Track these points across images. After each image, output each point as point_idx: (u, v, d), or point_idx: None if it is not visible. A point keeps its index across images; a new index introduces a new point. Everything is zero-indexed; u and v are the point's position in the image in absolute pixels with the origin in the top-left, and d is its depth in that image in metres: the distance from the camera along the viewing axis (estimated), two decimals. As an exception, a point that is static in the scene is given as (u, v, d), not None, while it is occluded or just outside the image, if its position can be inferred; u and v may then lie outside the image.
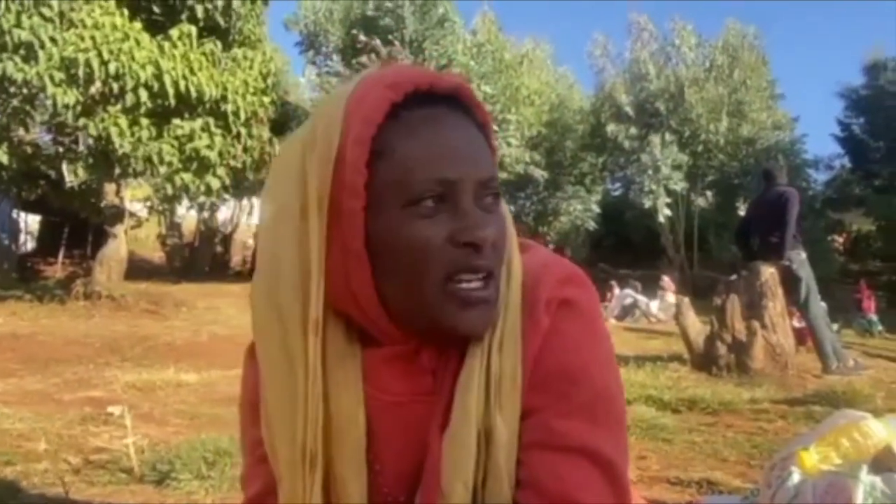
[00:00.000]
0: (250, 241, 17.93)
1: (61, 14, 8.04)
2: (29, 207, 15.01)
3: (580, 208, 17.72)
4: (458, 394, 0.62)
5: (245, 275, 16.19)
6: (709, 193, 18.56)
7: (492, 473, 0.60)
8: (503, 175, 15.99)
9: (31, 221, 17.26)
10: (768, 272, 5.10)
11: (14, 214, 14.96)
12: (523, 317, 0.63)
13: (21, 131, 8.83)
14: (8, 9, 7.71)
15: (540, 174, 16.85)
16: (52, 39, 7.78)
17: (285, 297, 0.62)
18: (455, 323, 0.61)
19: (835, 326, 7.77)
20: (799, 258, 5.30)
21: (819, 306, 5.55)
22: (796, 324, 5.66)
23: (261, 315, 0.65)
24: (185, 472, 1.94)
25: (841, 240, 19.82)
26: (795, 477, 1.35)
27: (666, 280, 12.28)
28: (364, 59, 14.05)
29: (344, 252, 0.60)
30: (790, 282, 5.23)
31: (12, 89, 7.85)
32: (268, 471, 0.67)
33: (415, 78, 0.62)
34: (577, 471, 0.61)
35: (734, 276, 5.75)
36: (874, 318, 10.67)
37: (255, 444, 0.70)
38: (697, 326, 5.20)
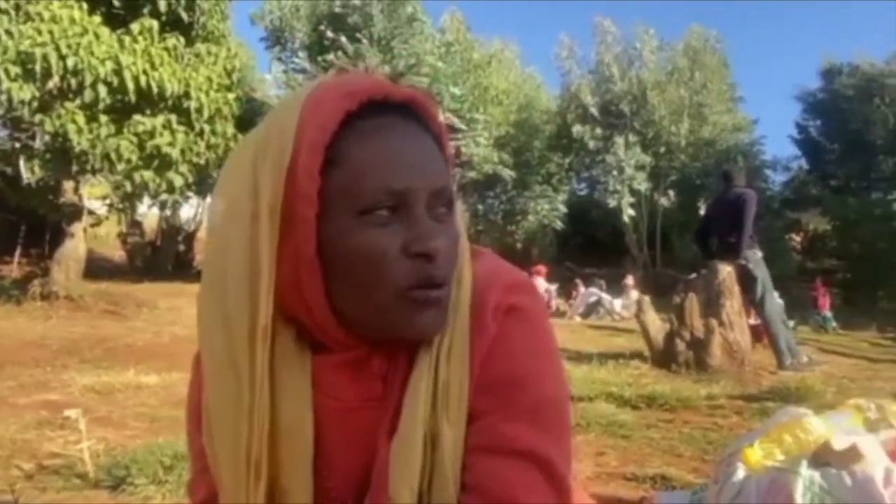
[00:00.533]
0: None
1: (17, 6, 7.79)
2: (-18, 205, 14.50)
3: (547, 207, 17.89)
4: (406, 399, 0.63)
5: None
6: (671, 193, 18.93)
7: (437, 477, 0.61)
8: (472, 174, 16.06)
9: (-16, 219, 16.69)
10: (726, 271, 5.24)
11: (-33, 212, 14.45)
12: (471, 322, 0.64)
13: (-26, 127, 8.55)
14: (-40, 0, 7.46)
15: (508, 174, 16.96)
16: (8, 32, 7.54)
17: (233, 303, 0.62)
18: (409, 325, 0.62)
19: (791, 323, 8.01)
20: (755, 258, 5.45)
21: (775, 304, 5.72)
22: (753, 321, 5.82)
23: (206, 320, 0.64)
24: (142, 476, 1.91)
25: (798, 239, 20.39)
26: (740, 473, 1.41)
27: (629, 278, 12.49)
28: (331, 56, 13.95)
29: (296, 258, 0.61)
30: (747, 280, 5.38)
31: (-36, 83, 7.58)
32: (211, 480, 0.67)
33: (369, 87, 0.62)
34: (522, 474, 0.62)
35: (693, 275, 5.90)
36: (829, 314, 11.04)
37: (202, 452, 0.69)
38: (658, 324, 5.31)
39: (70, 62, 7.58)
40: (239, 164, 0.65)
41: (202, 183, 12.99)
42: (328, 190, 0.60)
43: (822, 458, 1.35)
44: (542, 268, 12.58)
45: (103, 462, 2.15)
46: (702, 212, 14.48)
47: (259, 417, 0.62)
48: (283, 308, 0.63)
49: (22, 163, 8.79)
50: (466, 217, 17.53)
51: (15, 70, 7.46)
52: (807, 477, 1.32)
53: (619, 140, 16.45)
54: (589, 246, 20.27)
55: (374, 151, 0.61)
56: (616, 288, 12.43)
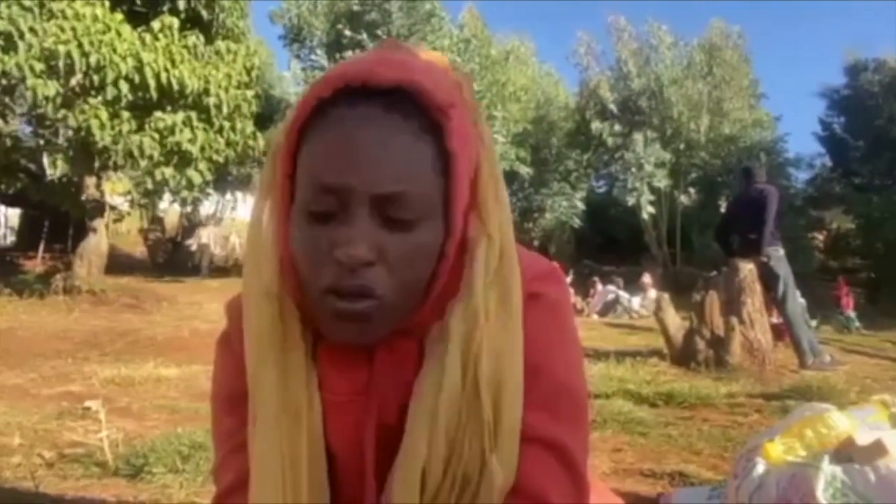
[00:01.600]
0: (233, 238, 17.80)
1: (41, 4, 7.92)
2: (8, 201, 14.79)
3: (565, 205, 17.80)
4: (412, 408, 0.61)
5: (228, 270, 16.09)
6: (692, 191, 18.72)
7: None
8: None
9: (10, 215, 17.02)
10: (747, 269, 5.16)
11: (-7, 208, 14.75)
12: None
13: (0, 123, 8.69)
14: (-14, -2, 7.60)
15: (525, 171, 16.90)
16: (32, 30, 7.66)
17: (248, 272, 0.65)
18: (328, 330, 0.61)
19: (813, 323, 7.89)
20: (777, 255, 5.37)
21: (797, 303, 5.63)
22: (774, 320, 5.74)
23: (244, 294, 0.66)
24: (160, 465, 1.93)
25: (821, 237, 20.07)
26: (760, 468, 1.38)
27: (647, 276, 12.38)
28: (349, 53, 14.00)
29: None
30: (768, 278, 5.29)
31: (-10, 80, 7.73)
32: (240, 462, 0.67)
33: (350, 73, 0.59)
34: (538, 461, 0.62)
35: (714, 273, 5.82)
36: (852, 314, 10.83)
37: (229, 434, 0.70)
38: (677, 322, 5.25)
39: (92, 59, 7.69)
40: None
41: (221, 180, 13.13)
42: (296, 177, 0.60)
43: (845, 453, 1.32)
44: (554, 264, 12.50)
45: (122, 451, 2.17)
46: (723, 209, 14.32)
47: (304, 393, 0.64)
48: (291, 292, 0.63)
49: (45, 159, 8.95)
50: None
51: (39, 67, 7.58)
52: (829, 472, 1.29)
53: (639, 137, 16.30)
54: (607, 244, 20.14)
55: (320, 143, 0.59)
56: (634, 286, 12.33)
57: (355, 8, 15.31)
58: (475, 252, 0.62)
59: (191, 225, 16.76)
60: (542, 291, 0.66)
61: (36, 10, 7.80)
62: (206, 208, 17.04)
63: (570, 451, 0.63)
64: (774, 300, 5.44)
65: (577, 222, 18.08)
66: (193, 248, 11.39)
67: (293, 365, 0.63)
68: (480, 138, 0.64)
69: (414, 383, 0.62)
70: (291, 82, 16.09)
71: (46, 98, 7.67)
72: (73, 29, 7.69)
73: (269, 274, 0.62)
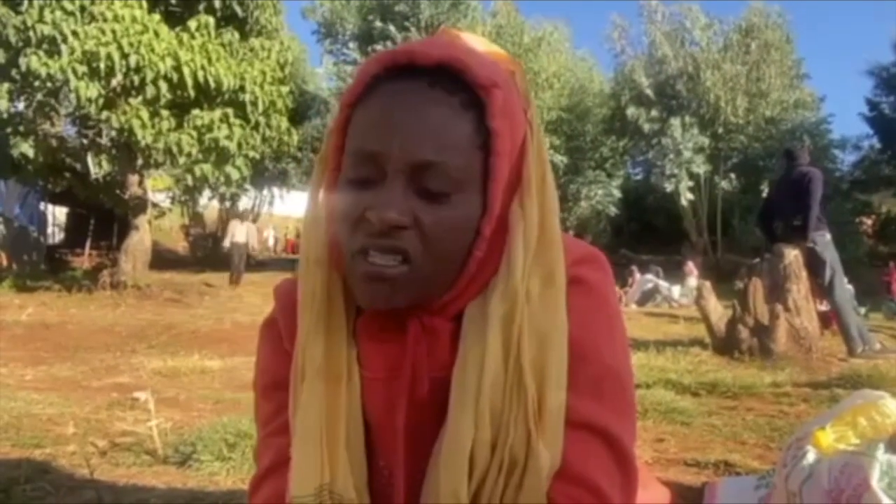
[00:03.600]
0: (266, 233, 18.07)
1: (82, 8, 8.15)
2: (56, 199, 15.31)
3: (601, 193, 17.57)
4: (454, 388, 0.61)
5: (266, 264, 16.38)
6: (732, 176, 18.27)
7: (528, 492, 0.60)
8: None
9: (58, 213, 17.62)
10: (792, 255, 5.02)
11: (42, 207, 15.28)
12: None
13: (46, 125, 8.99)
14: (31, 4, 7.83)
15: (559, 159, 16.73)
16: (74, 33, 7.89)
17: (305, 243, 0.68)
18: (360, 296, 0.62)
19: (862, 310, 7.63)
20: (823, 240, 5.20)
21: (845, 289, 5.45)
22: (822, 307, 5.57)
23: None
24: (207, 453, 1.98)
25: (869, 222, 19.39)
26: (811, 456, 1.34)
27: (689, 265, 12.15)
28: (380, 46, 14.05)
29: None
30: (815, 264, 5.13)
31: (37, 83, 7.99)
32: (279, 443, 0.68)
33: (399, 52, 0.61)
34: (584, 446, 0.61)
35: (757, 260, 5.68)
36: (903, 300, 10.46)
37: (269, 418, 0.71)
38: (719, 310, 5.14)
39: (132, 60, 7.88)
40: None
41: (258, 176, 13.35)
42: (345, 147, 0.63)
43: (902, 442, 1.27)
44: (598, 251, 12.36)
45: (171, 440, 2.24)
46: (765, 194, 13.98)
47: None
48: (337, 263, 0.65)
49: (90, 158, 9.23)
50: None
51: (82, 69, 7.81)
52: (884, 461, 1.24)
53: (676, 122, 15.96)
54: (645, 232, 19.84)
55: (366, 114, 0.61)
56: (674, 274, 12.12)
57: (385, 1, 15.34)
58: (515, 233, 0.62)
59: (230, 219, 17.09)
60: (586, 276, 0.66)
61: (78, 13, 8.03)
62: (245, 204, 17.36)
63: (618, 436, 0.63)
64: (821, 287, 5.28)
65: (613, 210, 17.84)
66: (227, 245, 11.56)
67: (336, 336, 0.65)
68: (529, 124, 0.65)
69: (453, 364, 0.62)
70: (324, 77, 16.23)
71: (89, 99, 7.90)
72: (113, 31, 7.89)
73: (320, 243, 0.65)
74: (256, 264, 16.01)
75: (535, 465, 0.59)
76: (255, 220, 18.36)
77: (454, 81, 0.60)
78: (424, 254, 0.59)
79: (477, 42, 0.69)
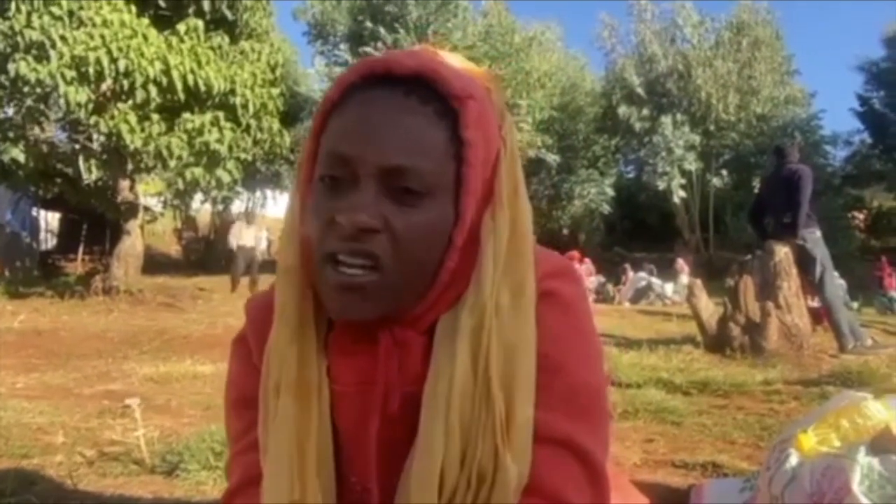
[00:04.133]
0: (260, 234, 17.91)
1: (70, 13, 8.10)
2: (48, 205, 15.23)
3: (594, 192, 17.61)
4: (425, 400, 0.61)
5: (261, 267, 16.32)
6: (724, 173, 18.34)
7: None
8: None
9: (50, 219, 17.53)
10: (782, 252, 5.04)
11: (34, 212, 15.20)
12: None
13: (36, 130, 8.94)
14: (18, 9, 7.79)
15: (552, 158, 16.74)
16: (63, 38, 7.85)
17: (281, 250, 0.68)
18: (330, 305, 0.62)
19: (855, 304, 7.68)
20: (813, 237, 5.23)
21: (835, 285, 5.48)
22: (812, 303, 5.59)
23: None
24: (194, 462, 1.97)
25: (861, 216, 19.49)
26: (793, 459, 1.35)
27: (680, 262, 12.18)
28: (369, 48, 14.03)
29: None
30: (805, 261, 5.16)
31: (26, 89, 7.94)
32: (248, 461, 0.68)
33: (376, 62, 0.63)
34: (555, 461, 0.61)
35: (748, 257, 5.70)
36: (895, 295, 10.51)
37: (239, 435, 0.72)
38: (710, 308, 5.16)
39: (121, 64, 7.84)
40: None
41: (250, 178, 13.30)
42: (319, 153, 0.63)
43: (882, 444, 1.28)
44: (575, 253, 12.36)
45: (158, 449, 2.23)
46: (757, 191, 14.02)
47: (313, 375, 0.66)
48: (308, 271, 0.64)
49: (81, 163, 9.18)
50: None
51: (70, 74, 7.76)
52: (865, 464, 1.25)
53: (667, 120, 16.01)
54: (638, 229, 19.89)
55: (341, 120, 0.62)
56: (667, 272, 12.15)
57: (374, 1, 15.32)
58: (485, 245, 0.62)
59: (222, 223, 17.05)
60: (558, 289, 0.66)
61: (66, 18, 7.98)
62: (238, 207, 17.30)
63: (588, 449, 0.63)
64: (812, 283, 5.30)
65: (606, 208, 17.88)
66: (232, 248, 10.87)
67: (308, 347, 0.65)
68: (503, 138, 0.66)
69: (424, 377, 0.62)
70: (316, 79, 16.20)
71: (79, 104, 7.86)
72: (102, 36, 7.85)
73: (292, 251, 0.65)
74: (249, 267, 15.97)
75: (504, 479, 0.59)
76: (248, 223, 18.30)
77: (429, 91, 0.61)
78: (395, 259, 0.59)
79: (454, 59, 0.70)
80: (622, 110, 16.74)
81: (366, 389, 0.64)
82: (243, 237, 11.01)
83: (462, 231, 0.61)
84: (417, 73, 0.61)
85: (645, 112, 16.59)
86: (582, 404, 0.64)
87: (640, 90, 16.72)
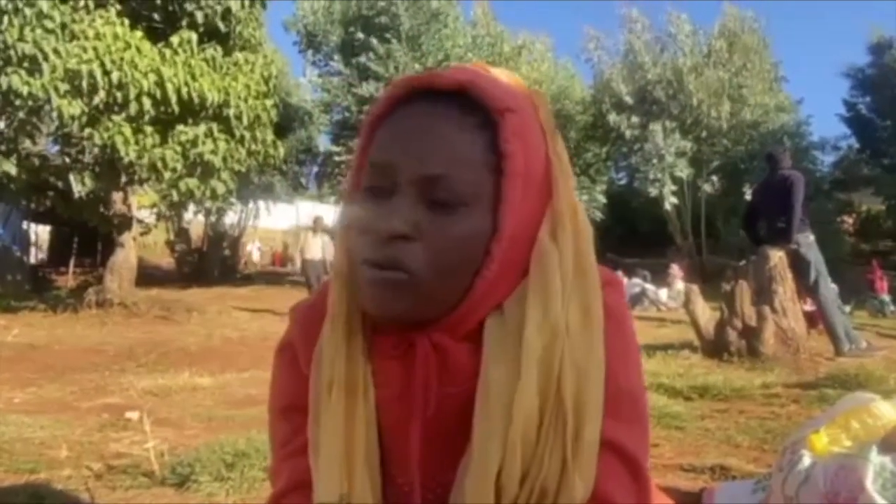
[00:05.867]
0: (248, 247, 17.84)
1: (63, 26, 8.08)
2: (39, 218, 15.13)
3: (586, 199, 17.69)
4: (477, 410, 0.62)
5: (253, 278, 16.28)
6: (714, 179, 18.49)
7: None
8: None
9: (41, 232, 17.40)
10: (777, 256, 5.09)
11: (25, 226, 15.09)
12: None
13: (28, 143, 8.89)
14: (11, 23, 7.76)
15: (544, 166, 16.80)
16: (56, 51, 7.83)
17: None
18: (365, 303, 0.64)
19: (847, 308, 7.73)
20: (807, 241, 5.29)
21: (829, 289, 5.53)
22: (807, 307, 5.64)
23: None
24: (205, 474, 1.97)
25: (850, 220, 19.68)
26: (806, 460, 1.37)
27: (674, 268, 12.24)
28: (362, 58, 14.08)
29: None
30: (799, 265, 5.22)
31: (18, 102, 7.90)
32: (294, 466, 0.70)
33: (419, 76, 0.65)
34: (605, 465, 0.62)
35: (743, 262, 5.75)
36: (887, 298, 10.60)
37: (285, 441, 0.73)
38: (707, 313, 5.20)
39: (115, 77, 7.83)
40: None
41: (244, 189, 13.27)
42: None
43: (894, 443, 1.30)
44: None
45: (167, 461, 2.22)
46: (748, 196, 14.11)
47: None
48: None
49: (72, 176, 9.13)
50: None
51: (64, 87, 7.74)
52: (877, 463, 1.27)
53: (657, 127, 16.13)
54: (630, 236, 19.99)
55: (384, 132, 0.64)
56: (660, 278, 12.21)
57: (365, 12, 15.38)
58: (550, 267, 0.63)
59: (216, 234, 16.97)
60: (607, 301, 0.67)
61: (59, 31, 7.96)
62: (231, 218, 17.25)
63: (634, 454, 0.64)
64: (806, 287, 5.36)
65: (598, 215, 17.97)
66: (297, 262, 10.40)
67: (355, 349, 0.67)
68: (557, 156, 0.68)
69: (464, 381, 0.63)
70: (309, 89, 16.22)
71: (72, 117, 7.83)
72: (95, 49, 7.83)
73: (341, 256, 0.68)
74: (242, 278, 15.91)
75: (568, 496, 0.59)
76: (241, 234, 18.24)
77: (471, 103, 0.63)
78: (426, 266, 0.60)
79: (502, 74, 0.71)
80: (612, 118, 16.85)
81: (406, 393, 0.65)
82: (310, 249, 9.72)
83: (501, 241, 0.62)
84: (459, 85, 0.63)
85: (635, 120, 16.71)
86: (628, 409, 0.65)
87: (628, 98, 16.85)
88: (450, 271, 0.61)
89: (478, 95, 0.63)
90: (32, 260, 16.07)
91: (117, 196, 9.38)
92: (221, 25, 9.54)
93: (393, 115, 0.65)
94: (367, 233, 0.62)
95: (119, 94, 8.00)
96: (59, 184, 9.72)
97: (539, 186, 0.65)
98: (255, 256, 22.78)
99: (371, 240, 0.61)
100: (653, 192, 16.14)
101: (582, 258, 0.66)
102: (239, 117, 8.99)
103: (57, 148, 9.55)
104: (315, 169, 18.71)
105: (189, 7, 9.20)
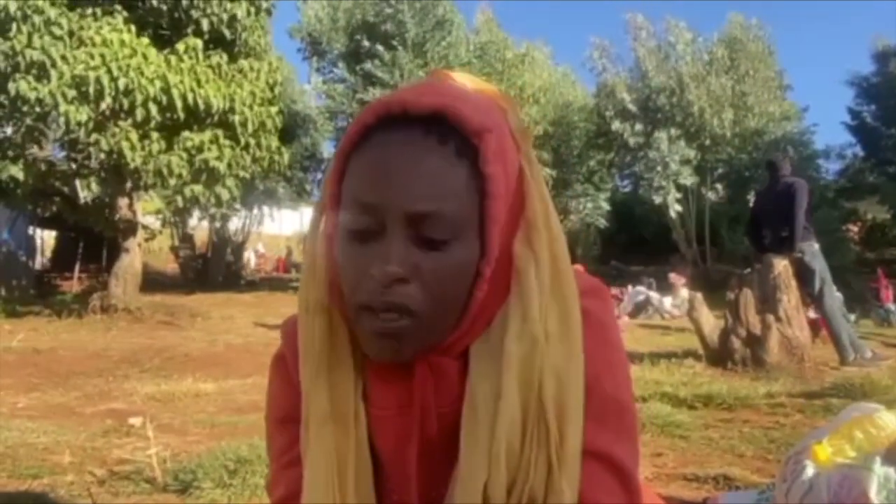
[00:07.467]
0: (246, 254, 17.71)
1: (71, 33, 8.16)
2: (44, 224, 15.19)
3: (590, 206, 17.67)
4: (464, 427, 0.62)
5: (257, 284, 16.30)
6: (719, 187, 18.43)
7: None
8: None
9: (46, 237, 17.47)
10: (781, 265, 5.07)
11: (30, 231, 15.15)
12: None
13: (35, 149, 8.95)
14: (20, 30, 7.84)
15: (548, 173, 16.81)
16: (63, 58, 7.89)
17: (303, 286, 0.69)
18: (367, 350, 0.63)
19: (852, 317, 7.71)
20: (811, 249, 5.27)
21: (834, 298, 5.51)
22: (810, 314, 5.61)
23: (299, 307, 0.69)
24: (207, 480, 1.97)
25: (856, 229, 19.61)
26: (810, 471, 1.36)
27: (673, 276, 12.18)
28: (368, 65, 14.12)
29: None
30: (804, 274, 5.20)
31: (25, 108, 7.97)
32: (291, 477, 0.70)
33: (393, 101, 0.62)
34: (592, 474, 0.62)
35: (748, 270, 5.73)
36: (892, 307, 10.54)
37: (281, 451, 0.73)
38: (711, 322, 5.18)
39: (121, 83, 7.88)
40: None
41: (248, 195, 13.32)
42: (341, 196, 0.64)
43: (898, 454, 1.30)
44: (578, 267, 12.35)
45: (170, 467, 2.22)
46: (752, 205, 14.09)
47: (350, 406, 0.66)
48: (340, 307, 0.65)
49: (78, 182, 9.19)
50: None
51: (71, 93, 7.80)
52: (881, 474, 1.27)
53: (661, 135, 16.12)
54: (634, 244, 19.95)
55: (361, 164, 0.62)
56: (665, 286, 12.17)
57: (370, 19, 15.43)
58: (526, 275, 0.62)
59: (220, 240, 17.01)
60: (589, 307, 0.67)
61: (67, 38, 8.03)
62: (235, 224, 17.29)
63: (624, 463, 0.64)
64: (811, 296, 5.34)
65: (602, 223, 17.93)
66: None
67: (341, 377, 0.66)
68: (528, 161, 0.66)
69: (460, 399, 0.63)
70: (313, 96, 16.27)
71: (79, 123, 7.89)
72: (102, 55, 7.89)
73: (320, 289, 0.66)
74: (246, 284, 15.93)
75: (557, 502, 0.59)
76: (245, 240, 18.28)
77: (447, 129, 0.61)
78: (426, 303, 0.60)
79: (467, 81, 0.70)
80: (616, 126, 16.83)
81: (404, 412, 0.65)
82: None
83: (490, 262, 0.61)
84: (434, 110, 0.61)
85: (639, 127, 16.70)
86: (616, 419, 0.65)
87: (631, 106, 16.84)
88: (449, 303, 0.61)
89: (454, 119, 0.61)
90: (38, 265, 16.13)
91: (123, 202, 9.42)
92: (227, 32, 9.60)
93: (367, 145, 0.62)
94: (363, 277, 0.60)
95: (125, 101, 8.05)
96: (65, 189, 9.79)
97: (514, 197, 0.64)
98: (252, 263, 22.47)
99: (369, 286, 0.60)
100: (657, 199, 16.09)
101: (559, 263, 0.65)
102: (244, 124, 9.04)
103: (63, 153, 9.62)
104: (319, 175, 18.75)
105: (195, 14, 9.25)
